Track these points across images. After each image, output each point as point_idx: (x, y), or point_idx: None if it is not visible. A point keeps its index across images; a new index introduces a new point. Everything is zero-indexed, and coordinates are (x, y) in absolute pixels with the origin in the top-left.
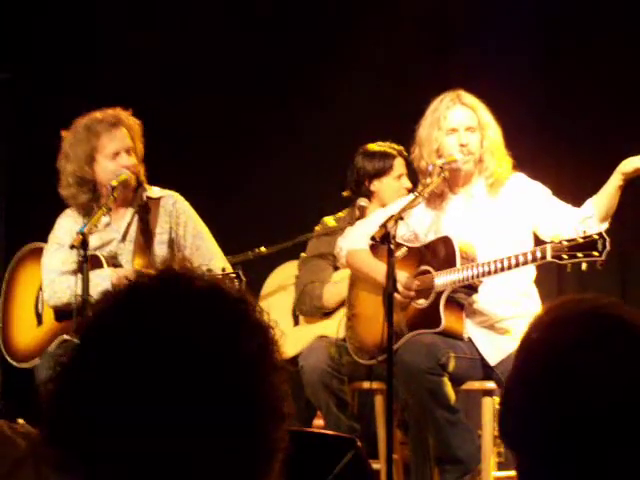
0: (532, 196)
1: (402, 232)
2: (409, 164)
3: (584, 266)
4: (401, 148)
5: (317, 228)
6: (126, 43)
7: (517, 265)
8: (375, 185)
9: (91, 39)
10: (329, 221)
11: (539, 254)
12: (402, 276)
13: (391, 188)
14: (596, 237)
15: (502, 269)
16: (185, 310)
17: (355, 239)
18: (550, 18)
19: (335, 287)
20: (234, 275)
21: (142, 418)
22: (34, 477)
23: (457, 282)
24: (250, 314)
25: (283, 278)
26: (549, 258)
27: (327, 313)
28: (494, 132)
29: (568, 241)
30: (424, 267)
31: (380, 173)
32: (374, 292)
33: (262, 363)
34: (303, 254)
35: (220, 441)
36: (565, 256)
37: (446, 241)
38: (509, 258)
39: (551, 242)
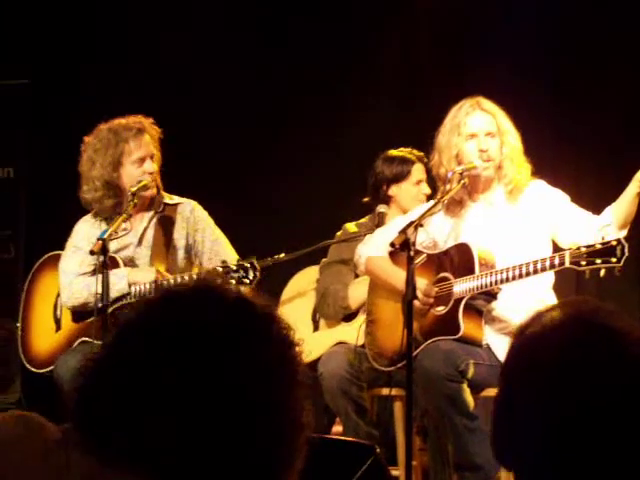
0: (551, 203)
1: (421, 239)
2: (429, 170)
3: (602, 272)
4: (421, 154)
5: (338, 234)
6: (144, 50)
7: (535, 272)
8: (393, 190)
9: (108, 45)
10: (350, 227)
11: (557, 260)
12: (421, 283)
13: (409, 194)
14: (614, 243)
15: (520, 276)
16: (214, 320)
17: (374, 246)
18: (567, 34)
19: (359, 287)
20: (248, 265)
21: (171, 414)
22: (65, 461)
23: (476, 289)
24: (276, 330)
25: (303, 284)
26: (567, 264)
27: (347, 319)
28: (513, 138)
29: (586, 247)
30: (443, 274)
31: (398, 178)
32: (393, 299)
33: (285, 377)
34: (324, 259)
35: (240, 449)
36: (583, 262)
37: (464, 248)
38: (527, 264)
39: (569, 249)
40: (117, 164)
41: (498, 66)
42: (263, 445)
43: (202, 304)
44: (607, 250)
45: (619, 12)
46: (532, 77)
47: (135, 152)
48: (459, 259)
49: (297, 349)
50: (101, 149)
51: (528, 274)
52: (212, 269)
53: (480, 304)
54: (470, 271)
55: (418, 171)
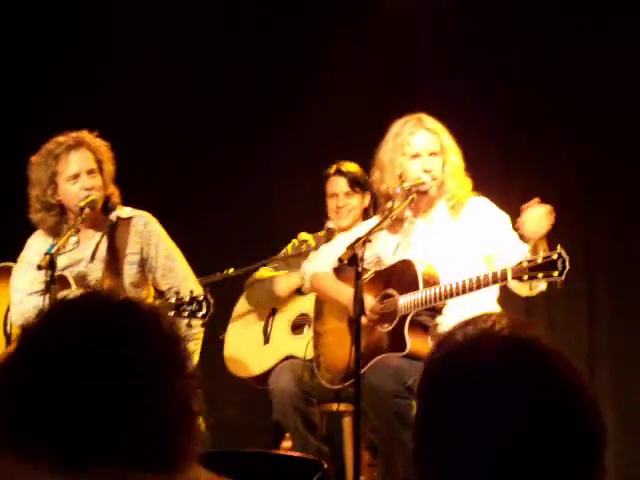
0: (489, 224)
1: (366, 255)
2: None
3: (544, 286)
4: (341, 166)
5: (294, 241)
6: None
7: (479, 287)
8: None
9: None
10: (304, 236)
11: (500, 275)
12: (368, 300)
13: (330, 207)
14: (555, 257)
15: (464, 291)
16: (103, 320)
17: (319, 262)
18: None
19: (284, 278)
20: (201, 298)
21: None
22: None
23: (420, 304)
24: (163, 326)
25: (257, 296)
26: (510, 279)
27: (297, 330)
28: (455, 155)
29: (528, 262)
30: (387, 290)
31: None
32: (338, 316)
33: (172, 369)
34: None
35: (133, 437)
36: (526, 277)
37: (408, 264)
38: (470, 280)
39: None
40: (51, 183)
41: (449, 81)
42: (154, 430)
43: (91, 307)
44: (548, 264)
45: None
46: (483, 91)
47: (66, 169)
48: (403, 275)
49: (183, 344)
50: (37, 170)
51: (472, 289)
52: (165, 301)
53: (425, 320)
54: (414, 287)
55: (331, 185)
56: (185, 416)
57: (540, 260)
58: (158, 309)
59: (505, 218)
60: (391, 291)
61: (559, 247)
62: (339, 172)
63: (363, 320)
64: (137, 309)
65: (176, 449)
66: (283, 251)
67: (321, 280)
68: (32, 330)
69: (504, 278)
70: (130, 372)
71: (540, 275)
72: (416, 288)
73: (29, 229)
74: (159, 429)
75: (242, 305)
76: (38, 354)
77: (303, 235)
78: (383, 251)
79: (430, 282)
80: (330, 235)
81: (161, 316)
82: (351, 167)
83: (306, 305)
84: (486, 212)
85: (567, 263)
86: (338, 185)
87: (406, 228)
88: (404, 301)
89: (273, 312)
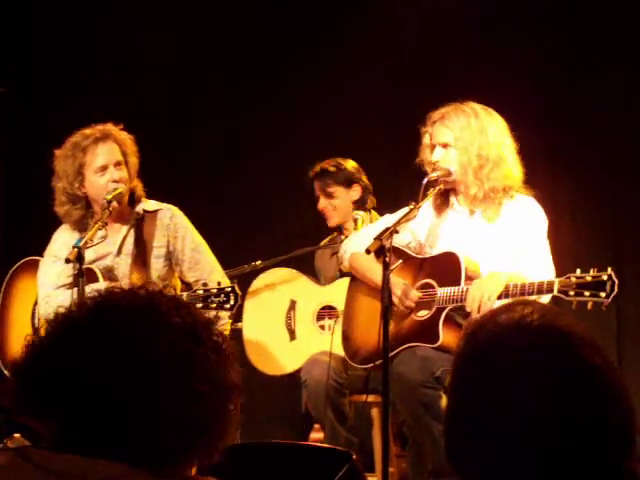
0: (524, 230)
1: (407, 240)
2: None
3: (589, 305)
4: (315, 169)
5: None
6: (122, 57)
7: (522, 294)
8: None
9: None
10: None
11: (546, 287)
12: (408, 287)
13: None
14: (605, 278)
15: (507, 295)
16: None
17: (359, 242)
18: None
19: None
20: (229, 289)
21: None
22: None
23: (459, 300)
24: (170, 318)
25: (272, 280)
26: (555, 292)
27: (320, 323)
28: (484, 149)
29: (576, 278)
30: (427, 280)
31: None
32: (373, 296)
33: (190, 340)
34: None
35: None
36: (572, 292)
37: (452, 257)
38: (515, 285)
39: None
40: (78, 175)
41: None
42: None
43: (120, 302)
44: (597, 284)
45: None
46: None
47: (94, 161)
48: (446, 268)
49: (212, 328)
50: (63, 162)
51: (514, 295)
52: (192, 294)
53: (459, 318)
54: (456, 282)
55: (315, 189)
56: (222, 392)
57: (589, 278)
58: (179, 298)
59: (541, 225)
60: (431, 281)
61: (610, 269)
62: (314, 176)
63: (400, 306)
64: (159, 303)
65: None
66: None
67: (359, 260)
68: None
69: (550, 290)
70: (154, 360)
71: (587, 293)
72: (458, 283)
73: (55, 222)
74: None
75: (258, 283)
76: (67, 348)
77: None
78: (424, 237)
79: (472, 279)
80: (356, 225)
81: (183, 303)
82: (326, 165)
83: (328, 296)
84: (526, 214)
85: (616, 287)
86: (317, 189)
87: (451, 216)
88: (443, 293)
89: (293, 305)
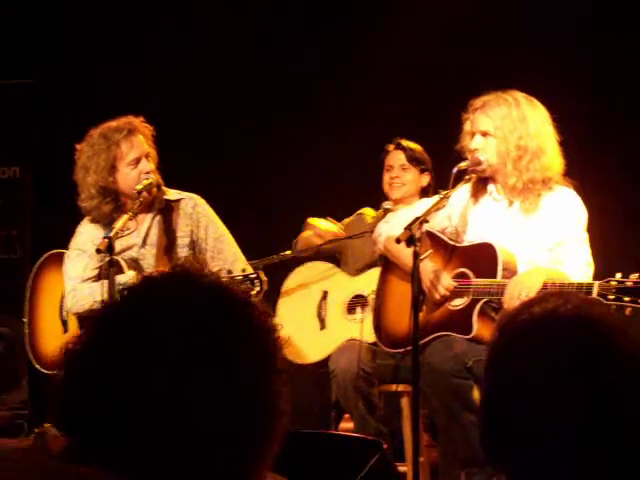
0: (565, 224)
1: (444, 224)
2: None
3: (628, 310)
4: (401, 141)
5: (352, 217)
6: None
7: None
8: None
9: (113, 44)
10: (368, 211)
11: (585, 288)
12: (444, 277)
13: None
14: None
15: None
16: (188, 307)
17: (395, 225)
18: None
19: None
20: (254, 276)
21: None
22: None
23: (494, 294)
24: (256, 316)
25: (304, 280)
26: (594, 295)
27: (351, 312)
28: (523, 139)
29: (617, 282)
30: (463, 269)
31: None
32: (406, 280)
33: (264, 363)
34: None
35: (220, 434)
36: (611, 296)
37: (490, 249)
38: (554, 283)
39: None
40: (111, 168)
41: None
42: (242, 430)
43: (182, 291)
44: (638, 290)
45: None
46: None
47: (128, 154)
48: (483, 259)
49: (276, 335)
50: (93, 155)
51: None
52: None
53: (490, 309)
54: (492, 273)
55: (389, 159)
56: (274, 416)
57: (630, 283)
58: (249, 294)
59: (580, 219)
60: (467, 271)
61: None
62: (398, 146)
63: (435, 295)
64: (232, 295)
65: (257, 454)
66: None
67: (394, 243)
68: (112, 321)
69: (589, 292)
70: (225, 368)
71: (626, 299)
72: (494, 275)
73: (80, 216)
74: (249, 431)
75: (292, 281)
76: (118, 343)
77: (366, 211)
78: (462, 223)
79: (509, 271)
80: (386, 215)
81: (255, 305)
82: (411, 144)
83: (360, 286)
84: (566, 208)
85: None
86: (395, 158)
87: (486, 204)
88: (479, 285)
89: (324, 295)
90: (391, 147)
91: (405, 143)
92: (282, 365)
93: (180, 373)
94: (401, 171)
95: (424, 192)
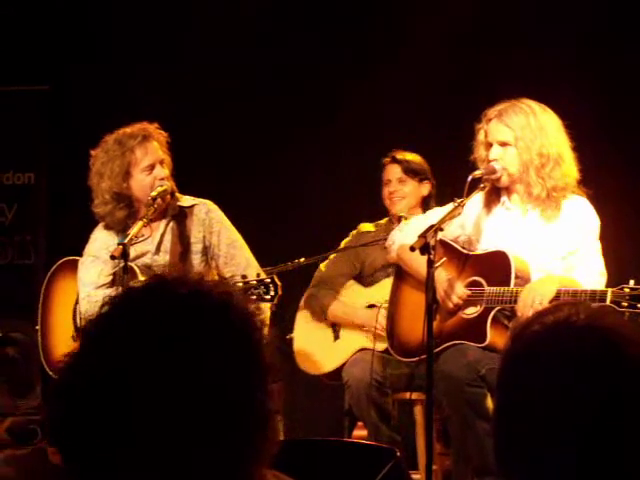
0: (579, 233)
1: (457, 233)
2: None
3: None
4: (396, 154)
5: (353, 233)
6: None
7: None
8: None
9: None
10: (365, 227)
11: (598, 297)
12: (458, 285)
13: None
14: None
15: (557, 300)
16: (163, 319)
17: (408, 233)
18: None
19: (340, 304)
20: (269, 281)
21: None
22: None
23: (507, 302)
24: (233, 322)
25: None
26: (608, 302)
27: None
28: (539, 148)
29: (630, 289)
30: (477, 278)
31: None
32: (419, 289)
33: (245, 366)
34: (346, 240)
35: (211, 439)
36: (625, 304)
37: (503, 257)
38: (567, 291)
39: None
40: (126, 175)
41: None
42: (235, 432)
43: (156, 302)
44: None
45: None
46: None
47: (143, 160)
48: (496, 267)
49: (259, 335)
50: (108, 161)
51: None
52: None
53: (503, 317)
54: (505, 282)
55: (386, 172)
56: (263, 414)
57: None
58: (230, 296)
59: (594, 228)
60: (480, 279)
61: None
62: (393, 159)
63: (448, 303)
64: (208, 299)
65: (250, 454)
66: (345, 241)
67: (407, 252)
68: (96, 324)
69: (602, 300)
70: (206, 377)
71: None
72: (507, 283)
73: (95, 222)
74: (239, 431)
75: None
76: (104, 350)
77: (364, 226)
78: (475, 232)
79: (522, 279)
80: (391, 223)
81: (234, 303)
82: (407, 155)
83: (373, 296)
84: (579, 217)
85: None
86: (392, 172)
87: (498, 214)
88: (493, 293)
89: None
90: (387, 160)
91: (400, 155)
92: (269, 362)
93: (160, 388)
94: (399, 184)
95: (426, 201)
